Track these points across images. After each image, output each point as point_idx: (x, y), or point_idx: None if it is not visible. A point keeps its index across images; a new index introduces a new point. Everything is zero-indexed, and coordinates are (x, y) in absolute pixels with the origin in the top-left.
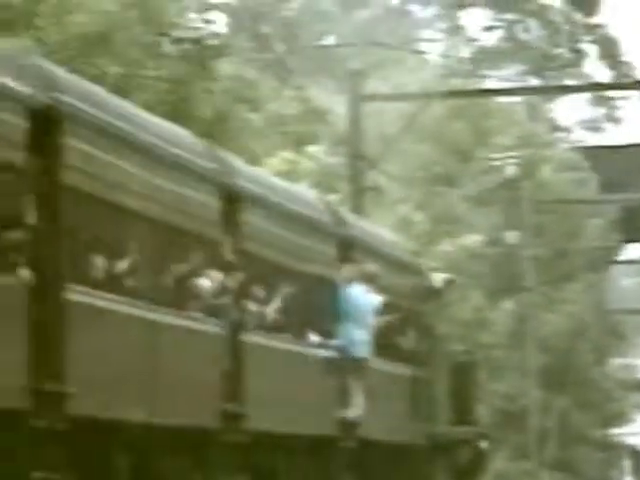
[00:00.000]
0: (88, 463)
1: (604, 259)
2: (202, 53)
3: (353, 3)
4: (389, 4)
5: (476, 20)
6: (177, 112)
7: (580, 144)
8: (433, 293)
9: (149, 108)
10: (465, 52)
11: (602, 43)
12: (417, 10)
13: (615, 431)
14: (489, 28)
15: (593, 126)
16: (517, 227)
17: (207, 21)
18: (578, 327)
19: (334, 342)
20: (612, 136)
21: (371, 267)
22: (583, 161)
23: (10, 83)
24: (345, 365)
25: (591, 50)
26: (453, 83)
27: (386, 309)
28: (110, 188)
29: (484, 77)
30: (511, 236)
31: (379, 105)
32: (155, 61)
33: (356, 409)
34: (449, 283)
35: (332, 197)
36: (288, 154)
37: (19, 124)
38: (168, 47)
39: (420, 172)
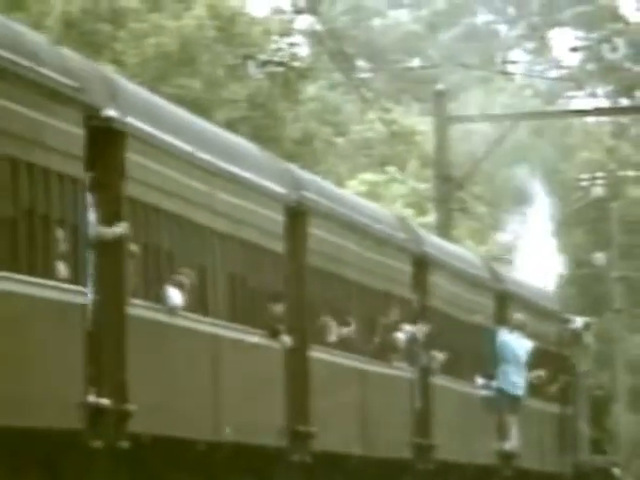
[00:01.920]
0: None
1: None
2: (286, 75)
3: (439, 24)
4: (475, 24)
5: (563, 40)
6: (260, 132)
7: None
8: (574, 336)
9: (231, 127)
10: (552, 72)
11: None
12: (504, 30)
13: None
14: (576, 48)
15: None
16: (605, 248)
17: (291, 44)
18: None
19: (494, 383)
20: None
21: (520, 316)
22: None
23: (270, 185)
24: (503, 403)
25: None
26: (539, 103)
27: (537, 353)
28: (340, 264)
29: (571, 97)
30: (598, 257)
31: (466, 126)
32: (239, 82)
33: (513, 441)
34: (587, 326)
35: (422, 220)
36: (375, 177)
37: (278, 219)
38: (252, 69)
39: (507, 193)
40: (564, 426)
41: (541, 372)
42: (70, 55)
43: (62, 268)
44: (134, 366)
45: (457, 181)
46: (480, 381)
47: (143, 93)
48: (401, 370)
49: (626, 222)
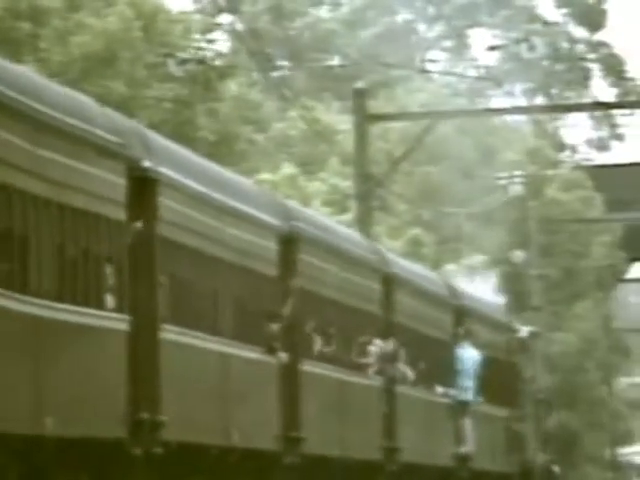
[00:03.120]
0: None
1: (611, 277)
2: (206, 74)
3: (358, 22)
4: (394, 23)
5: (481, 39)
6: (182, 132)
7: (586, 162)
8: (521, 344)
9: (153, 127)
10: (471, 71)
11: (606, 61)
12: (423, 29)
13: (623, 450)
14: (494, 47)
15: (598, 144)
16: (523, 246)
17: (211, 42)
18: (586, 346)
19: (451, 391)
20: (617, 154)
21: (468, 329)
22: (588, 180)
23: (266, 217)
24: (459, 408)
25: (595, 68)
26: (459, 102)
27: (487, 361)
28: (324, 286)
29: (489, 96)
30: (517, 255)
31: (385, 124)
32: (160, 81)
33: (469, 445)
34: (534, 335)
35: (343, 218)
36: (295, 175)
37: (271, 247)
38: (173, 68)
39: (426, 191)
40: (512, 428)
41: None
42: (112, 114)
43: (109, 299)
44: (165, 382)
45: (377, 179)
46: (440, 389)
47: (169, 144)
48: (373, 380)
49: (544, 221)
